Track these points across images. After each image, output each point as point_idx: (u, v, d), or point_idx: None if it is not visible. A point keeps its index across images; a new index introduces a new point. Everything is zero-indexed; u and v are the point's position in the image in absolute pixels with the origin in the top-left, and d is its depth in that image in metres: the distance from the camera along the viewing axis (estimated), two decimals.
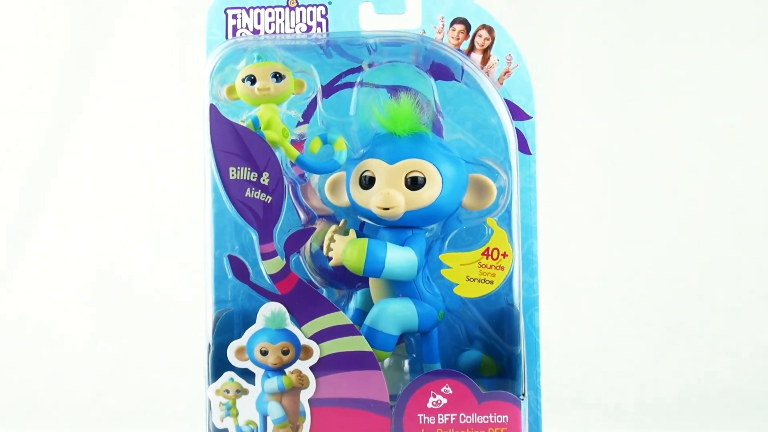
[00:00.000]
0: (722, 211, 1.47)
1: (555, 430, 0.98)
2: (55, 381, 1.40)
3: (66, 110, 1.50)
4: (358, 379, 0.88)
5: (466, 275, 0.89)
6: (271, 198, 0.88)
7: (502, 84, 0.94)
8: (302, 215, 0.95)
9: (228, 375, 0.88)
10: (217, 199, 0.90)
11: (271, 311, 0.88)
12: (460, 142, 0.93)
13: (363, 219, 0.93)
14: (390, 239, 0.90)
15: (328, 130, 0.93)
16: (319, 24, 0.93)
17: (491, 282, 0.89)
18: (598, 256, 1.47)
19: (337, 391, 0.88)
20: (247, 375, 0.88)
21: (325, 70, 0.94)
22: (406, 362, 0.95)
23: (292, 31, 0.93)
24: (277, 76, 0.90)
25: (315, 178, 0.95)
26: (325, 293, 0.92)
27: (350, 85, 0.94)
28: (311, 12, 0.93)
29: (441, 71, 0.94)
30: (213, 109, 0.88)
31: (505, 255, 0.89)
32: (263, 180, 0.88)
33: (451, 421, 0.88)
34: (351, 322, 0.88)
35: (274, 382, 0.88)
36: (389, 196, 0.88)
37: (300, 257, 0.94)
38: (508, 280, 0.90)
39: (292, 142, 0.90)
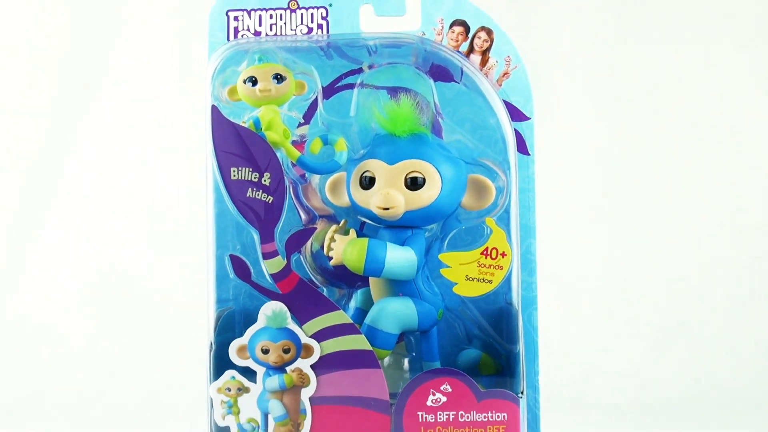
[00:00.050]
0: (721, 211, 1.47)
1: (553, 427, 0.98)
2: (58, 380, 1.40)
3: (68, 111, 1.51)
4: (358, 378, 0.88)
5: (465, 274, 0.89)
6: (272, 198, 0.88)
7: (500, 85, 0.94)
8: (303, 215, 0.95)
9: (229, 373, 0.89)
10: (218, 200, 0.90)
11: (272, 310, 0.88)
12: (460, 143, 0.93)
13: (363, 219, 0.93)
14: (390, 239, 0.90)
15: (329, 130, 0.93)
16: (319, 26, 0.93)
17: (490, 281, 0.90)
18: (597, 256, 1.47)
19: (337, 389, 0.88)
20: (249, 373, 0.88)
21: (326, 71, 0.94)
22: (406, 361, 0.95)
23: (293, 32, 0.94)
24: (278, 78, 0.90)
25: (316, 179, 0.95)
26: (325, 292, 0.92)
27: (351, 86, 0.94)
28: (312, 14, 0.93)
29: (440, 73, 0.94)
30: (215, 110, 0.89)
31: (503, 254, 0.90)
32: (264, 180, 0.88)
33: (451, 419, 0.89)
34: (351, 321, 0.88)
35: (275, 381, 0.88)
36: (389, 197, 0.88)
37: (301, 257, 0.94)
38: (507, 280, 0.90)
39: (293, 142, 0.90)
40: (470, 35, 0.94)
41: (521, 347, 0.92)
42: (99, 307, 1.47)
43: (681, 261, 1.46)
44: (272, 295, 0.88)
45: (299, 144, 0.92)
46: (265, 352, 0.88)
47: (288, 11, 0.94)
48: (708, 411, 1.32)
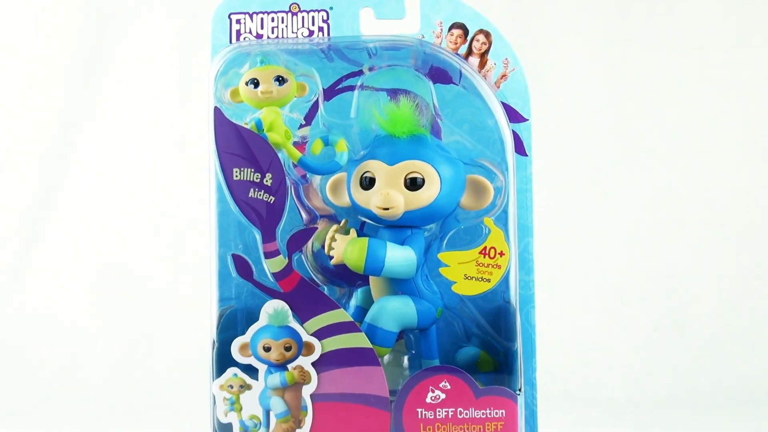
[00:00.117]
0: (715, 211, 1.47)
1: (550, 424, 0.98)
2: (63, 376, 1.40)
3: (74, 112, 1.51)
4: (358, 375, 0.88)
5: (463, 273, 0.89)
6: (273, 198, 0.88)
7: (499, 87, 0.94)
8: (304, 215, 0.95)
9: (232, 371, 0.89)
10: (221, 200, 0.90)
11: (273, 308, 0.88)
12: (458, 144, 0.93)
13: (363, 219, 0.93)
14: (390, 238, 0.90)
15: (330, 132, 0.93)
16: (320, 29, 0.93)
17: (488, 280, 0.89)
18: (593, 255, 1.47)
19: (338, 386, 0.88)
20: (251, 371, 0.88)
21: (327, 73, 0.94)
22: (406, 358, 0.95)
23: (295, 35, 0.94)
24: (280, 80, 0.90)
25: (317, 179, 0.94)
26: (326, 291, 0.92)
27: (351, 88, 0.94)
28: (313, 17, 0.93)
29: (439, 75, 0.94)
30: (217, 112, 0.89)
31: (501, 254, 0.90)
32: (266, 181, 0.88)
33: (449, 416, 0.88)
34: (352, 319, 0.88)
35: (276, 378, 0.88)
36: (389, 197, 0.88)
37: (302, 256, 0.94)
38: (505, 278, 0.90)
39: (295, 143, 0.90)
40: (469, 38, 0.94)
41: (519, 345, 0.92)
42: (104, 305, 1.47)
43: (676, 259, 1.47)
44: (274, 294, 0.88)
45: (300, 145, 0.92)
46: (267, 349, 0.88)
47: (289, 14, 0.94)
48: (703, 407, 1.32)
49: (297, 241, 0.89)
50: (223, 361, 0.89)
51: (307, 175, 0.94)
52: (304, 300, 0.88)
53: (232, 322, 0.92)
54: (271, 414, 0.89)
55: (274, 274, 0.88)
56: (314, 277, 0.94)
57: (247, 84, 0.90)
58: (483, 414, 0.88)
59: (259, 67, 0.90)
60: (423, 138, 0.90)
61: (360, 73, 0.94)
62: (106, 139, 1.50)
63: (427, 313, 0.91)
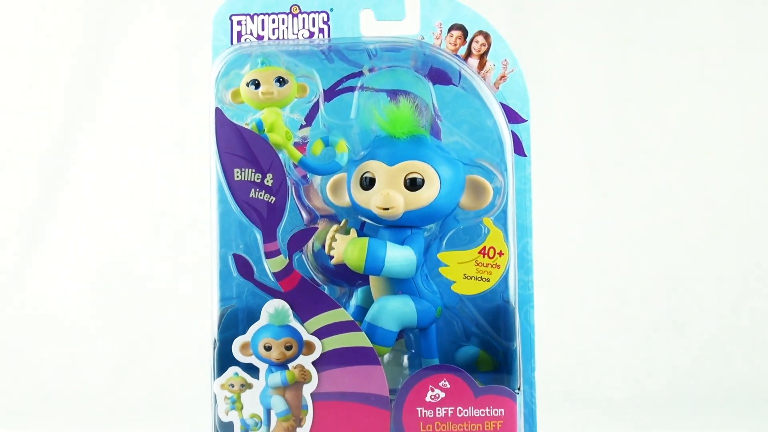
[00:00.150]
0: (712, 211, 1.47)
1: (549, 422, 0.98)
2: (67, 374, 1.40)
3: (76, 113, 1.51)
4: (358, 374, 0.88)
5: (463, 273, 0.89)
6: (274, 198, 0.88)
7: (498, 88, 0.94)
8: (305, 215, 0.95)
9: (233, 370, 0.88)
10: (222, 200, 0.90)
11: (274, 308, 0.88)
12: (458, 145, 0.93)
13: (363, 219, 0.93)
14: (390, 238, 0.90)
15: (330, 132, 0.93)
16: (321, 30, 0.93)
17: (488, 280, 0.89)
18: (591, 255, 1.47)
19: (338, 385, 0.88)
20: (252, 370, 0.88)
21: (327, 74, 0.94)
22: (406, 357, 0.95)
23: (295, 37, 0.94)
24: (281, 81, 0.90)
25: (317, 179, 0.95)
26: (326, 291, 0.92)
27: (351, 89, 0.94)
28: (313, 18, 0.93)
29: (439, 76, 0.94)
30: (218, 113, 0.89)
31: (501, 254, 0.90)
32: (267, 181, 0.88)
33: (449, 415, 0.88)
34: (352, 319, 0.88)
35: (277, 377, 0.88)
36: (389, 197, 0.88)
37: (302, 256, 0.94)
38: (504, 278, 0.90)
39: (295, 144, 0.90)
40: (468, 39, 0.94)
41: (518, 344, 0.92)
42: (104, 305, 1.47)
43: (675, 260, 1.47)
44: (274, 294, 0.88)
45: (301, 145, 0.92)
46: (268, 349, 0.88)
47: (290, 16, 0.94)
48: (702, 407, 1.32)
49: (297, 241, 0.89)
50: (224, 360, 0.89)
51: (308, 176, 0.94)
52: (305, 299, 0.88)
53: (233, 322, 0.92)
54: (272, 413, 0.89)
55: (274, 274, 0.88)
56: (315, 276, 0.94)
57: (248, 85, 0.90)
58: (482, 413, 0.88)
59: (260, 68, 0.90)
60: (423, 138, 0.90)
61: (360, 74, 0.94)
62: (107, 139, 1.50)
63: (427, 312, 0.91)
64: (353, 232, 0.90)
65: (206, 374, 0.90)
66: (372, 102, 0.92)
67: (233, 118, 0.89)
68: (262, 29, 0.94)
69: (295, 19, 0.93)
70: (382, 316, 0.89)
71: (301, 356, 0.88)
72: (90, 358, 1.43)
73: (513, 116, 0.94)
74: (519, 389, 0.91)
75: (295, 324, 0.88)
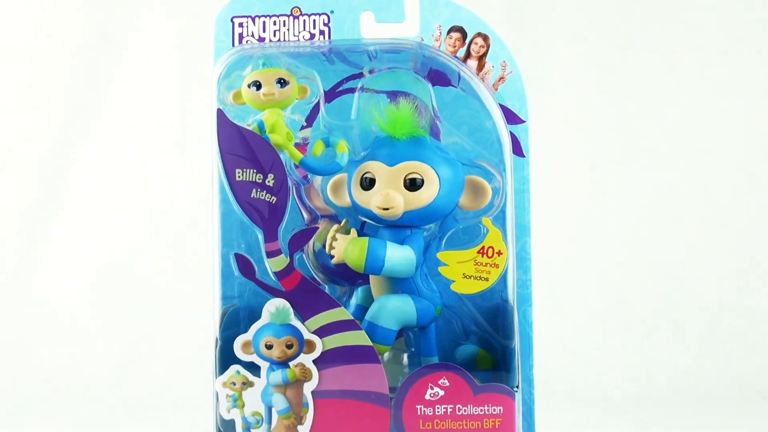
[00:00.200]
0: (709, 210, 1.47)
1: (547, 420, 0.98)
2: (70, 373, 1.40)
3: (81, 114, 1.50)
4: (359, 372, 0.88)
5: (462, 272, 0.89)
6: (275, 198, 0.88)
7: (496, 89, 0.94)
8: (305, 215, 0.95)
9: (234, 368, 0.88)
10: (224, 200, 0.90)
11: (275, 307, 0.88)
12: (457, 145, 0.93)
13: (364, 219, 0.93)
14: (389, 238, 0.90)
15: (331, 133, 0.93)
16: (321, 32, 0.93)
17: (486, 279, 0.89)
18: (589, 254, 1.47)
19: (339, 383, 0.88)
20: (253, 368, 0.88)
21: (328, 76, 0.94)
22: (405, 356, 0.95)
23: (296, 38, 0.93)
24: (282, 82, 0.90)
25: (318, 180, 0.94)
26: (327, 290, 0.92)
27: (351, 90, 0.94)
28: (314, 20, 0.93)
29: (438, 77, 0.94)
30: (220, 114, 0.89)
31: (499, 253, 0.90)
32: (268, 181, 0.88)
33: (448, 413, 0.88)
34: (352, 318, 0.88)
35: (278, 375, 0.88)
36: (389, 197, 0.88)
37: (303, 255, 0.94)
38: (503, 277, 0.90)
39: (296, 145, 0.90)
40: (467, 41, 0.94)
41: (516, 343, 0.92)
42: (107, 304, 1.47)
43: (672, 258, 1.47)
44: (276, 293, 0.88)
45: (302, 146, 0.92)
46: (269, 347, 0.88)
47: (291, 18, 0.93)
48: (699, 405, 1.32)
49: (298, 241, 0.89)
50: (226, 358, 0.89)
51: (309, 176, 0.94)
52: (306, 298, 0.88)
53: (235, 321, 0.92)
54: (273, 410, 0.88)
55: (275, 273, 0.88)
56: (315, 276, 0.94)
57: (249, 86, 0.90)
58: (481, 410, 0.88)
59: (261, 69, 0.90)
60: (422, 139, 0.90)
61: (360, 75, 0.94)
62: (108, 139, 1.50)
63: (427, 311, 0.90)
64: (353, 232, 0.90)
65: (208, 372, 0.90)
66: (372, 103, 0.92)
67: (235, 119, 0.89)
68: (264, 31, 0.94)
69: (296, 21, 0.93)
70: (382, 315, 0.89)
71: (301, 355, 0.88)
72: (92, 356, 1.43)
73: (511, 117, 0.94)
74: (517, 387, 0.91)
75: (296, 323, 0.88)
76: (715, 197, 1.47)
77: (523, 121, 0.94)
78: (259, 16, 0.93)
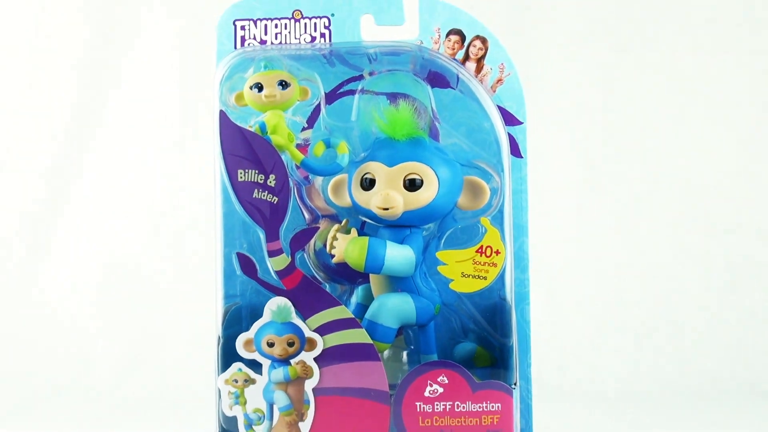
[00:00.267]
0: (704, 210, 1.47)
1: (545, 417, 0.98)
2: (75, 371, 1.40)
3: (82, 116, 1.50)
4: (359, 370, 0.88)
5: (461, 271, 0.89)
6: (277, 199, 0.88)
7: (495, 91, 0.94)
8: (307, 215, 0.95)
9: (236, 365, 0.89)
10: (226, 200, 0.90)
11: (277, 305, 0.88)
12: (456, 146, 0.93)
13: (364, 218, 0.93)
14: (389, 238, 0.90)
15: (331, 134, 0.93)
16: (322, 35, 0.93)
17: (485, 278, 0.90)
18: (586, 253, 1.47)
19: (339, 380, 0.88)
20: (255, 366, 0.88)
21: (328, 78, 0.94)
22: (405, 353, 0.95)
23: (297, 41, 0.94)
24: (283, 84, 0.90)
25: (319, 180, 0.94)
26: (328, 288, 0.92)
27: (352, 92, 0.94)
28: (315, 23, 0.93)
29: (437, 79, 0.94)
30: (222, 115, 0.89)
31: (497, 252, 0.90)
32: (270, 182, 0.88)
33: (447, 409, 0.88)
34: (352, 316, 0.88)
35: (280, 373, 0.88)
36: (389, 197, 0.88)
37: (304, 255, 0.94)
38: (501, 276, 0.90)
39: (297, 146, 0.90)
40: (466, 44, 0.94)
41: (514, 341, 0.92)
42: (112, 304, 1.47)
43: (667, 258, 1.47)
44: (277, 291, 0.88)
45: (303, 147, 0.92)
46: (271, 345, 0.88)
47: (292, 21, 0.94)
48: (695, 402, 1.32)
49: (299, 240, 0.89)
50: (228, 356, 0.89)
51: (310, 176, 0.94)
52: (307, 297, 0.88)
53: (237, 319, 0.92)
54: (275, 407, 0.89)
55: (277, 272, 0.88)
56: (316, 275, 0.94)
57: (251, 88, 0.90)
58: (479, 407, 0.88)
59: (263, 71, 0.90)
60: (421, 140, 0.90)
61: (360, 77, 0.94)
62: (111, 141, 1.50)
63: (426, 309, 0.91)
64: (354, 232, 0.90)
65: (211, 370, 0.90)
66: (372, 105, 0.92)
67: (237, 121, 0.89)
68: (265, 34, 0.94)
69: (297, 24, 0.93)
70: (382, 313, 0.89)
71: (303, 352, 0.88)
72: (98, 354, 1.43)
73: (509, 118, 0.94)
74: (515, 384, 0.91)
75: (298, 321, 0.88)
76: (713, 198, 1.47)
77: (521, 123, 0.94)
78: (261, 19, 0.93)
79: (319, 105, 0.93)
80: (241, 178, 0.88)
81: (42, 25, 1.51)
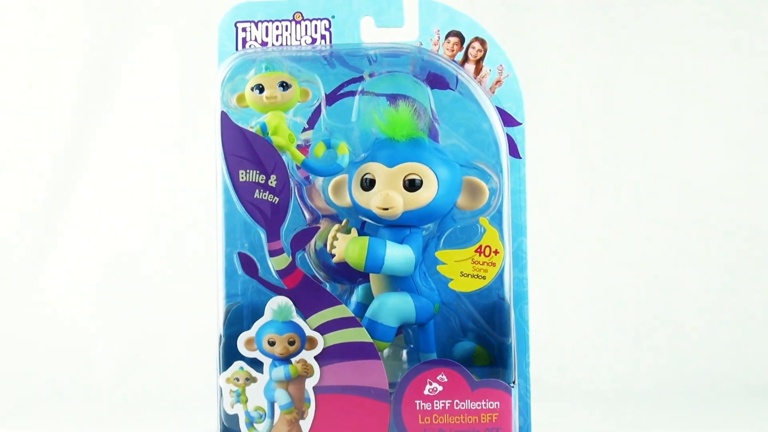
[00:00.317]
0: (700, 210, 1.48)
1: (543, 415, 0.98)
2: (76, 370, 1.40)
3: (84, 117, 1.50)
4: (359, 368, 0.88)
5: (460, 271, 0.90)
6: (278, 199, 0.88)
7: (493, 92, 0.94)
8: (307, 215, 0.95)
9: (238, 364, 0.89)
10: (227, 200, 0.91)
11: (278, 304, 0.88)
12: (455, 147, 0.94)
13: (364, 218, 0.93)
14: (389, 237, 0.90)
15: (332, 135, 0.93)
16: (323, 36, 0.94)
17: (484, 277, 0.90)
18: (583, 253, 1.47)
19: (339, 379, 0.88)
20: (256, 364, 0.89)
21: (329, 79, 0.94)
22: (404, 352, 0.95)
23: (298, 43, 0.94)
24: (284, 85, 0.90)
25: (319, 181, 0.95)
26: (328, 288, 0.92)
27: (352, 93, 0.95)
28: (316, 25, 0.94)
29: (437, 80, 0.94)
30: (224, 116, 0.89)
31: (496, 252, 0.90)
32: (271, 182, 0.88)
33: (446, 407, 0.89)
34: (353, 315, 0.89)
35: (281, 371, 0.88)
36: (388, 197, 0.89)
37: (305, 254, 0.94)
38: (500, 276, 0.91)
39: (298, 146, 0.91)
40: (465, 45, 0.94)
41: (513, 339, 0.92)
42: (115, 303, 1.47)
43: (663, 257, 1.47)
44: (278, 291, 0.89)
45: (304, 148, 0.92)
46: (272, 344, 0.88)
47: (293, 23, 0.94)
48: (693, 399, 1.32)
49: (300, 240, 0.89)
50: (230, 355, 0.89)
51: (310, 177, 0.94)
52: (307, 296, 0.89)
53: (238, 318, 0.92)
54: (276, 405, 0.89)
55: (278, 272, 0.89)
56: (317, 274, 0.95)
57: (252, 89, 0.90)
58: (478, 405, 0.89)
59: (264, 73, 0.91)
60: (421, 141, 0.91)
61: (361, 79, 0.95)
62: (113, 142, 1.50)
63: (425, 308, 0.91)
64: (354, 232, 0.91)
65: (212, 368, 0.91)
66: (372, 106, 0.92)
67: (238, 122, 0.89)
68: (266, 36, 0.94)
69: (298, 25, 0.94)
70: (381, 312, 0.89)
71: (303, 351, 0.88)
72: (98, 354, 1.43)
73: (508, 119, 0.94)
74: (514, 383, 0.91)
75: (298, 320, 0.88)
76: (712, 198, 1.48)
77: (520, 124, 0.94)
78: (262, 21, 0.94)
79: (319, 106, 0.94)
80: (242, 178, 0.88)
81: (43, 25, 1.51)
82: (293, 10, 0.94)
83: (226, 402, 0.89)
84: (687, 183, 1.48)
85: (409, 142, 0.90)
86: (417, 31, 0.94)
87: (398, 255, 0.89)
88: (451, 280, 0.90)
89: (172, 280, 1.46)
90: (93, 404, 1.32)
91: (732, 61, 1.48)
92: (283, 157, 0.88)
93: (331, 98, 0.95)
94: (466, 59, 0.94)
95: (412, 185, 0.89)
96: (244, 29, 0.94)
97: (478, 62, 0.94)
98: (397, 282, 0.91)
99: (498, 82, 0.94)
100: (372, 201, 0.89)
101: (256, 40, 0.94)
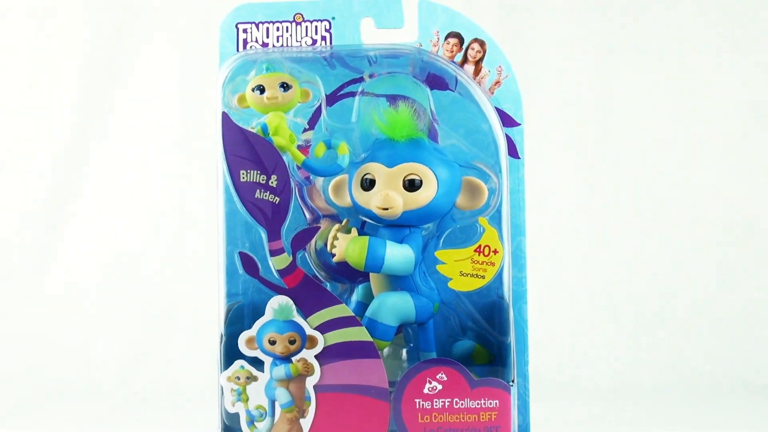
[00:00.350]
0: (697, 209, 1.48)
1: (542, 413, 0.98)
2: (77, 369, 1.40)
3: (86, 118, 1.50)
4: (359, 367, 0.88)
5: (459, 270, 0.90)
6: (278, 199, 0.88)
7: (492, 93, 0.94)
8: (308, 215, 0.96)
9: (239, 363, 0.89)
10: (228, 200, 0.91)
11: (278, 304, 0.89)
12: (454, 147, 0.94)
13: (364, 218, 0.93)
14: (389, 237, 0.90)
15: (332, 135, 0.93)
16: (323, 37, 0.94)
17: (483, 277, 0.90)
18: (581, 253, 1.47)
19: (340, 378, 0.88)
20: (257, 363, 0.89)
21: (329, 80, 0.95)
22: (404, 351, 0.95)
23: (299, 44, 0.94)
24: (285, 86, 0.90)
25: (320, 181, 0.95)
26: (329, 287, 0.92)
27: (352, 94, 0.95)
28: (316, 26, 0.94)
29: (436, 81, 0.95)
30: (225, 117, 0.89)
31: (495, 252, 0.90)
32: (272, 182, 0.88)
33: (446, 406, 0.89)
34: (353, 314, 0.89)
35: (281, 370, 0.89)
36: (388, 197, 0.89)
37: (306, 254, 0.94)
38: (499, 275, 0.91)
39: (299, 147, 0.91)
40: (464, 46, 0.94)
41: (512, 338, 0.92)
42: (114, 302, 1.47)
43: (660, 256, 1.47)
44: (279, 290, 0.89)
45: (304, 148, 0.92)
46: (272, 343, 0.88)
47: (294, 24, 0.94)
48: (689, 397, 1.32)
49: (301, 240, 0.90)
50: (231, 354, 0.89)
51: (311, 177, 0.95)
52: (308, 296, 0.89)
53: (239, 317, 0.93)
54: (276, 404, 0.89)
55: (279, 271, 0.89)
56: (317, 273, 0.95)
57: (253, 90, 0.91)
58: (478, 404, 0.89)
59: (265, 74, 0.91)
60: (421, 141, 0.91)
61: (361, 79, 0.95)
62: (114, 142, 1.50)
63: (425, 308, 0.91)
64: (354, 231, 0.91)
65: (213, 367, 0.91)
66: (372, 106, 0.93)
67: (239, 122, 0.89)
68: (267, 37, 0.94)
69: (299, 27, 0.94)
70: (381, 311, 0.89)
71: (304, 350, 0.88)
72: (99, 353, 1.43)
73: (507, 120, 0.94)
74: (513, 381, 0.91)
75: (299, 319, 0.88)
76: (709, 197, 1.47)
77: (519, 124, 0.95)
78: (263, 23, 0.94)
79: (319, 107, 0.94)
80: (243, 178, 0.88)
81: (43, 26, 1.51)
82: (294, 11, 0.94)
83: (227, 401, 0.89)
84: (685, 182, 1.48)
85: (409, 142, 0.90)
86: (416, 32, 0.94)
87: (398, 254, 0.89)
88: (451, 279, 0.90)
89: (173, 280, 1.46)
90: (94, 403, 1.32)
91: (730, 60, 1.48)
92: (284, 158, 0.89)
93: (332, 99, 0.95)
94: (465, 60, 0.94)
95: (411, 185, 0.89)
96: (245, 30, 0.94)
97: (478, 63, 0.94)
98: (397, 281, 0.91)
99: (497, 83, 0.94)
100: (372, 201, 0.90)
101: (256, 41, 0.94)
